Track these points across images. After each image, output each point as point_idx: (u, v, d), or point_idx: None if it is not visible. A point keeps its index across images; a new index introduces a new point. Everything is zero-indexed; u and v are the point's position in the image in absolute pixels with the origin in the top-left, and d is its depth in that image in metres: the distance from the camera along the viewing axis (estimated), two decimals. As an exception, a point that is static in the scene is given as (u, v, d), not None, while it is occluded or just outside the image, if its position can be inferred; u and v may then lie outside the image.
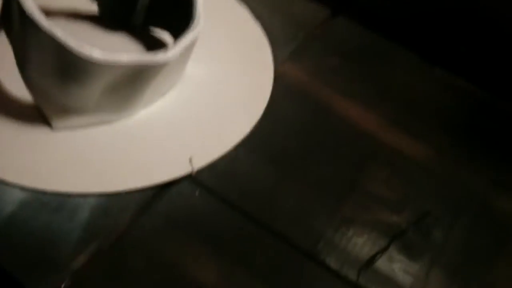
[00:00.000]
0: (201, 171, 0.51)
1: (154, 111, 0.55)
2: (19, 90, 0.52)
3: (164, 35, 0.61)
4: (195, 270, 0.45)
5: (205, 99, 0.57)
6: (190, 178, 0.51)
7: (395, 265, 0.47)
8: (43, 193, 0.47)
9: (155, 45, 0.61)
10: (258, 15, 0.67)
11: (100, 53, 0.45)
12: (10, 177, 0.47)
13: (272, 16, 0.68)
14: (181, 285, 0.43)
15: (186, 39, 0.50)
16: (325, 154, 0.55)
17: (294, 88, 0.61)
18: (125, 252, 0.45)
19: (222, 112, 0.57)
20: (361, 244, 0.48)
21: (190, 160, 0.51)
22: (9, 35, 0.50)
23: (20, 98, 0.53)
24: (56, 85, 0.48)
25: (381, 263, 0.47)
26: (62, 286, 0.42)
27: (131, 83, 0.49)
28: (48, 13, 0.55)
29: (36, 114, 0.52)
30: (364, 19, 0.70)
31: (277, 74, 0.61)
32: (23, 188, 0.47)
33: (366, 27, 0.69)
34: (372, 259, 0.47)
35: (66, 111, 0.50)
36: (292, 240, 0.47)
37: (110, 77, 0.47)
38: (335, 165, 0.54)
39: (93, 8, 0.61)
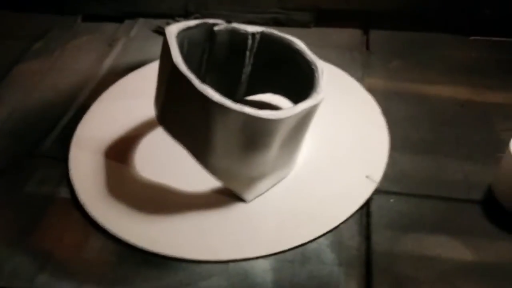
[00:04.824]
0: (380, 184, 0.57)
1: (305, 167, 0.60)
2: (192, 187, 0.57)
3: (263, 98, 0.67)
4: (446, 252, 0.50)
5: (336, 143, 0.63)
6: (376, 191, 0.56)
7: None
8: (282, 252, 0.50)
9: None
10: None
11: (282, 113, 0.50)
12: (250, 253, 0.51)
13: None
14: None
15: (322, 86, 0.55)
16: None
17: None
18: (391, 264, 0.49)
19: (357, 138, 0.63)
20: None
21: (368, 177, 0.57)
22: (180, 134, 0.53)
23: (200, 191, 0.57)
24: (241, 160, 0.52)
25: None
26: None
27: (295, 133, 0.55)
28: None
29: (222, 197, 0.56)
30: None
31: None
32: (264, 257, 0.50)
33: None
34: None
35: (252, 181, 0.54)
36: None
37: (286, 129, 0.52)
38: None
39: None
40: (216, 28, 0.61)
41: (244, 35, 0.62)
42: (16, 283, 0.50)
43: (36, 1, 0.89)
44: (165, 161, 0.60)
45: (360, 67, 0.74)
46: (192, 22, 0.59)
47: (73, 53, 0.82)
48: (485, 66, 0.72)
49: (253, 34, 0.62)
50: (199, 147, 0.52)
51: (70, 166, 0.61)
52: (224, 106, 0.48)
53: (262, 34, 0.62)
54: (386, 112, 0.65)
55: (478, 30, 0.78)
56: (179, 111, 0.53)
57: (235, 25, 0.61)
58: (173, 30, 0.55)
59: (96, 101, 0.70)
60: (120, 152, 0.62)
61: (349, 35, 0.81)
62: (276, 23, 0.83)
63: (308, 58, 0.59)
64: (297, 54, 0.60)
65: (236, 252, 0.51)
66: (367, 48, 0.77)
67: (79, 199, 0.57)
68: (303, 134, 0.57)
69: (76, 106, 0.70)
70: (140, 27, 0.86)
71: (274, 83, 0.65)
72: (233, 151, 0.52)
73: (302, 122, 0.55)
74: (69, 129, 0.66)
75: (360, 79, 0.71)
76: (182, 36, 0.57)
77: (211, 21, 0.61)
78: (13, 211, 0.57)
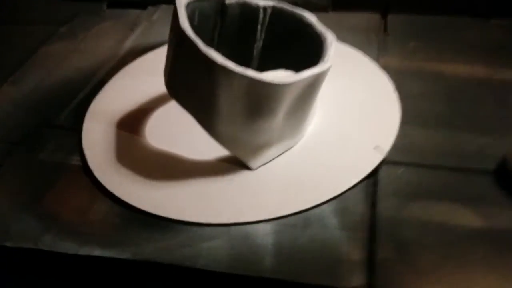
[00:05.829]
0: (389, 154, 0.56)
1: (313, 137, 0.59)
2: (199, 156, 0.58)
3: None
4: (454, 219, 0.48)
5: (345, 116, 0.62)
6: (384, 162, 0.55)
7: None
8: (284, 217, 0.50)
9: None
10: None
11: (286, 78, 0.50)
12: (252, 217, 0.50)
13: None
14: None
15: (330, 56, 0.55)
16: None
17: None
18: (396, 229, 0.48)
19: (367, 112, 0.62)
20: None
21: (376, 148, 0.56)
22: (186, 100, 0.54)
23: (207, 160, 0.57)
24: (246, 127, 0.52)
25: None
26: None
27: (301, 101, 0.54)
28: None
29: (228, 165, 0.56)
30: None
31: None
32: (266, 221, 0.49)
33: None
34: None
35: (258, 149, 0.54)
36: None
37: (291, 96, 0.52)
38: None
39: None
40: (227, 1, 0.61)
41: (256, 9, 0.62)
42: (22, 243, 0.51)
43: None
44: (175, 132, 0.61)
45: (376, 48, 0.73)
46: (203, -5, 0.60)
47: (96, 37, 0.84)
48: (505, 46, 0.70)
49: (265, 8, 0.62)
50: (205, 113, 0.52)
51: (82, 136, 0.62)
52: (227, 68, 0.48)
53: (274, 8, 0.62)
54: (400, 89, 0.64)
55: (501, 13, 0.76)
56: (185, 76, 0.53)
57: (247, -1, 0.62)
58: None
59: (112, 78, 0.72)
60: (131, 123, 0.63)
61: (367, 19, 0.80)
62: (294, 7, 0.83)
63: (318, 30, 0.59)
64: (308, 27, 0.60)
65: (238, 216, 0.50)
66: (385, 31, 0.77)
67: (89, 165, 0.58)
68: (310, 104, 0.56)
69: (94, 82, 0.72)
70: (161, 13, 0.88)
71: (286, 59, 0.65)
72: (238, 117, 0.52)
73: (309, 91, 0.54)
74: (85, 103, 0.68)
75: (375, 59, 0.70)
76: (192, 7, 0.58)
77: (222, -6, 0.62)
78: (26, 177, 0.58)
